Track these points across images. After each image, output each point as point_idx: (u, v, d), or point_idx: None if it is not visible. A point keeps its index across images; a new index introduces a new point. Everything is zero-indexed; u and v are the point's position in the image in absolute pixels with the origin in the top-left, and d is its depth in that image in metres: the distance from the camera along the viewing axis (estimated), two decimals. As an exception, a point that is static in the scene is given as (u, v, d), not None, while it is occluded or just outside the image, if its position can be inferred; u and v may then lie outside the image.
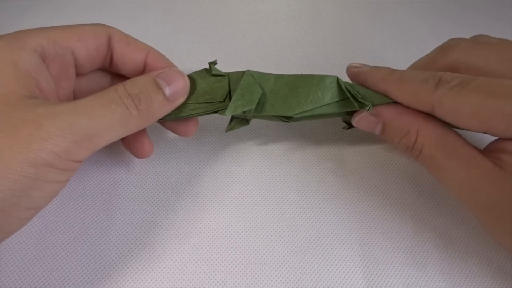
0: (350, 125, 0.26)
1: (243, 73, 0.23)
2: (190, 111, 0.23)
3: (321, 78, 0.23)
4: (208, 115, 0.24)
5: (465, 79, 0.20)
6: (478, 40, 0.23)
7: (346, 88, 0.23)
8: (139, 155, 0.25)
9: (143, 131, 0.25)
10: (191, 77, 0.24)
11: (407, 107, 0.22)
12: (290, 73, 0.25)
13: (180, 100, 0.22)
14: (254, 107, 0.22)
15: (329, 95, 0.23)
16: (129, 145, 0.25)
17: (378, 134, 0.24)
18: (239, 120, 0.25)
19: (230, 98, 0.23)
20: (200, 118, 0.25)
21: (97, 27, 0.23)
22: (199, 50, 0.33)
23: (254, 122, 0.28)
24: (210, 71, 0.24)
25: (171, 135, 0.28)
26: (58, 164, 0.18)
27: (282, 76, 0.24)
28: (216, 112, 0.24)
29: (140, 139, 0.25)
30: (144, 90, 0.20)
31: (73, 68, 0.23)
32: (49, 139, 0.18)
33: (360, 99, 0.23)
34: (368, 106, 0.23)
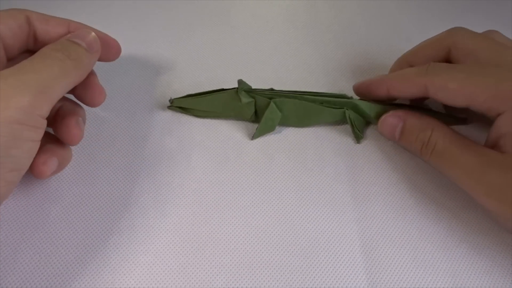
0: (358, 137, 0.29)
1: (268, 101, 0.28)
2: (224, 116, 0.29)
3: (332, 110, 0.28)
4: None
5: (451, 64, 0.25)
6: (487, 34, 0.26)
7: (350, 118, 0.28)
8: (95, 102, 0.25)
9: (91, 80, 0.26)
10: (220, 93, 0.28)
11: (420, 113, 0.26)
12: (292, 77, 0.32)
13: (98, 51, 0.24)
14: (274, 129, 0.29)
15: (337, 119, 0.29)
16: (84, 95, 0.26)
17: (397, 136, 0.26)
18: None
19: (256, 115, 0.29)
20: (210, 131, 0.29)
21: (11, 10, 0.24)
22: (201, 57, 0.33)
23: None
24: (239, 97, 0.28)
25: (177, 144, 0.29)
26: (28, 121, 0.19)
27: (300, 102, 0.28)
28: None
29: (91, 86, 0.25)
30: (66, 47, 0.22)
31: (3, 50, 0.24)
32: (10, 96, 0.19)
33: (358, 132, 0.28)
34: (361, 139, 0.28)
